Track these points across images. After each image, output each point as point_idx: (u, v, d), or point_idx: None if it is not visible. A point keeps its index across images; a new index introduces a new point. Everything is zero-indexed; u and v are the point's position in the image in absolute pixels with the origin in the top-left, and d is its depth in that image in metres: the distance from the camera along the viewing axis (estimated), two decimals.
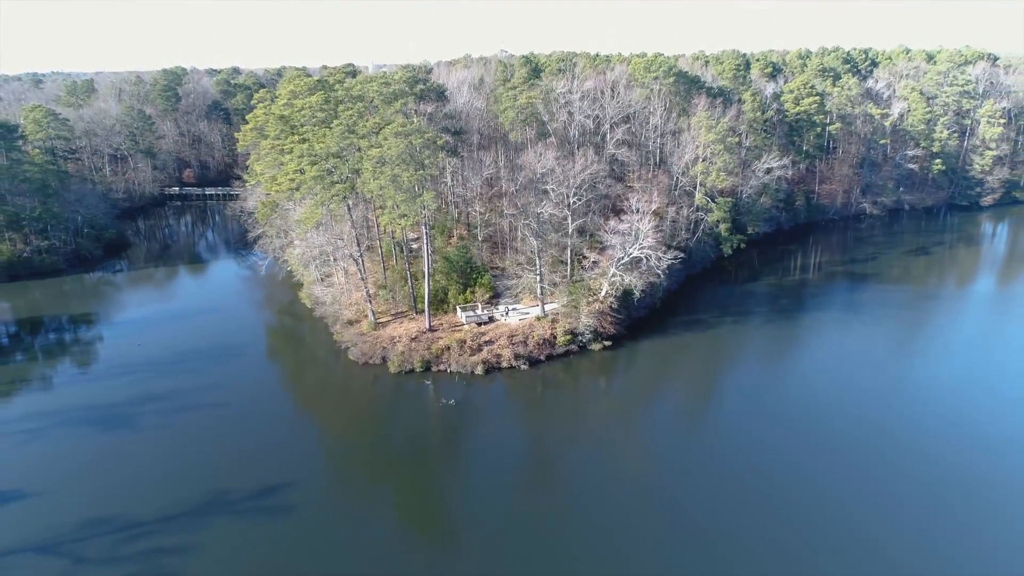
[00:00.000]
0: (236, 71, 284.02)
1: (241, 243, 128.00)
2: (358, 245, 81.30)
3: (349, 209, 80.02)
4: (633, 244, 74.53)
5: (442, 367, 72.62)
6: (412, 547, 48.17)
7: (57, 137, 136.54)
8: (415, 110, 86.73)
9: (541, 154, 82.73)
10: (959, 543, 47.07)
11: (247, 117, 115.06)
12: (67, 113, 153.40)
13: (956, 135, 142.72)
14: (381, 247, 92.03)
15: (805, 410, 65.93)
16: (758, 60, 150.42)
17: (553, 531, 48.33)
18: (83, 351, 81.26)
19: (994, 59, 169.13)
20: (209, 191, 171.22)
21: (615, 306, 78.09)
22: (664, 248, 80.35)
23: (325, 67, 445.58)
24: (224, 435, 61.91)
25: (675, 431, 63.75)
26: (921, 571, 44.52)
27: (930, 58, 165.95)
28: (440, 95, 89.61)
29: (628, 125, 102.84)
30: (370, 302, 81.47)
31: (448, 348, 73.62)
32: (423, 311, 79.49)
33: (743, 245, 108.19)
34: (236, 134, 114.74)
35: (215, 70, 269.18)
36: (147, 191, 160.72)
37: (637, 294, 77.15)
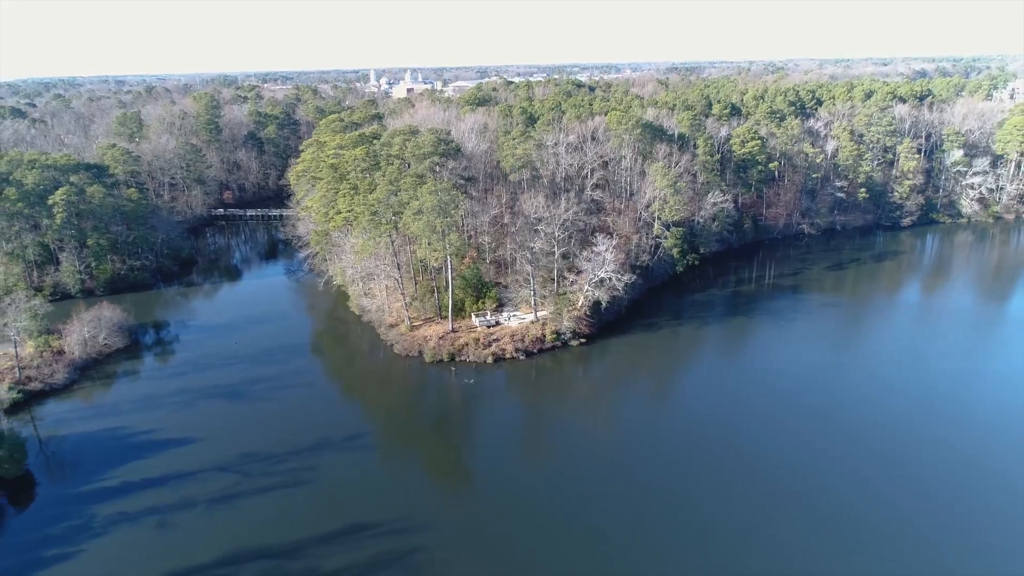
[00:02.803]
0: (259, 96, 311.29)
1: (289, 259, 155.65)
2: (398, 268, 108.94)
3: (392, 242, 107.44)
4: (601, 268, 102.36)
5: (463, 358, 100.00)
6: (440, 478, 76.27)
7: (131, 171, 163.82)
8: (439, 164, 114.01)
9: (534, 198, 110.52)
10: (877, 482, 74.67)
11: (297, 160, 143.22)
12: (130, 146, 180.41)
13: (882, 167, 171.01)
14: (412, 267, 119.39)
15: (741, 385, 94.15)
16: (719, 102, 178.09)
17: (543, 475, 75.10)
18: (194, 347, 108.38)
19: (923, 97, 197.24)
20: (250, 212, 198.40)
21: (589, 313, 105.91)
22: (626, 270, 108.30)
23: (336, 86, 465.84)
24: (314, 403, 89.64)
25: (634, 401, 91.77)
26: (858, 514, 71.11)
27: (868, 96, 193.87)
28: (457, 152, 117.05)
29: (603, 172, 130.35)
30: (407, 310, 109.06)
31: (467, 344, 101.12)
32: (447, 317, 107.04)
33: (697, 262, 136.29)
34: (293, 168, 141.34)
35: (242, 96, 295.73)
36: (198, 212, 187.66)
37: (604, 304, 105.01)
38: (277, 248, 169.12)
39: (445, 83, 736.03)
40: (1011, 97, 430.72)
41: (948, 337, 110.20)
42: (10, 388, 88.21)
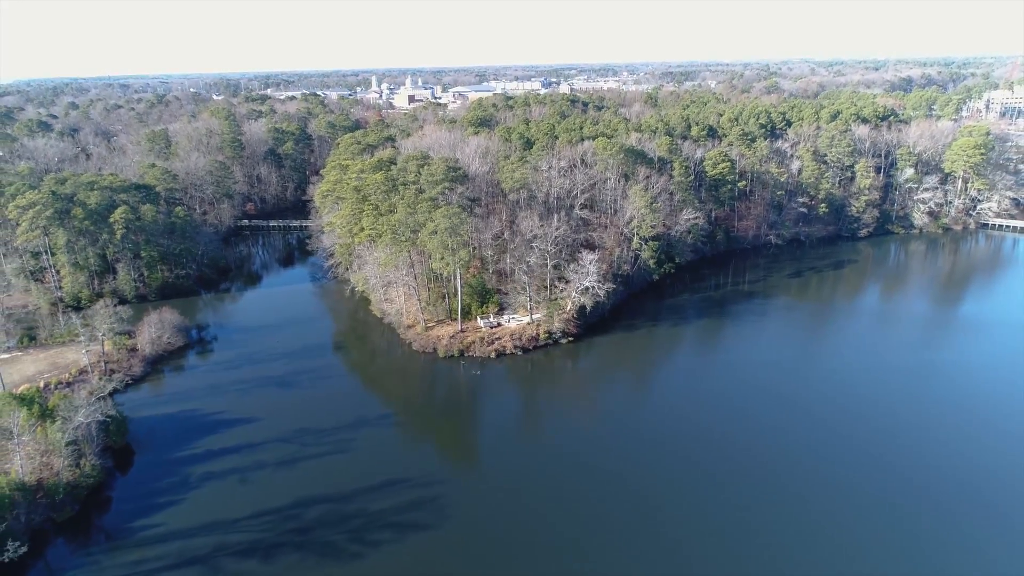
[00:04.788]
0: (273, 111, 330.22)
1: (313, 268, 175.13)
2: (415, 278, 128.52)
3: (410, 255, 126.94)
4: (585, 278, 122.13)
5: (470, 354, 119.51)
6: (454, 448, 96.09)
7: (169, 188, 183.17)
8: (449, 188, 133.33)
9: (529, 218, 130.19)
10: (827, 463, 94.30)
11: (319, 179, 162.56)
12: (165, 164, 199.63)
13: (843, 183, 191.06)
14: (425, 276, 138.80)
15: (708, 374, 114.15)
16: (697, 123, 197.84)
17: (536, 447, 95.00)
18: (241, 344, 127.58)
19: (886, 117, 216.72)
20: (272, 223, 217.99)
21: (576, 316, 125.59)
22: (608, 279, 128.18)
23: (342, 97, 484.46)
24: (349, 390, 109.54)
25: (614, 389, 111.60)
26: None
27: (834, 116, 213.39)
28: (464, 178, 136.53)
29: (591, 193, 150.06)
30: (422, 313, 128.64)
31: (473, 342, 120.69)
32: (456, 319, 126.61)
33: (673, 270, 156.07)
34: (319, 188, 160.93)
35: (256, 111, 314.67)
36: (226, 224, 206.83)
37: (589, 308, 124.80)
38: (301, 257, 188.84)
39: (445, 88, 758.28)
40: (986, 107, 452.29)
41: (899, 333, 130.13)
42: (101, 378, 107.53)
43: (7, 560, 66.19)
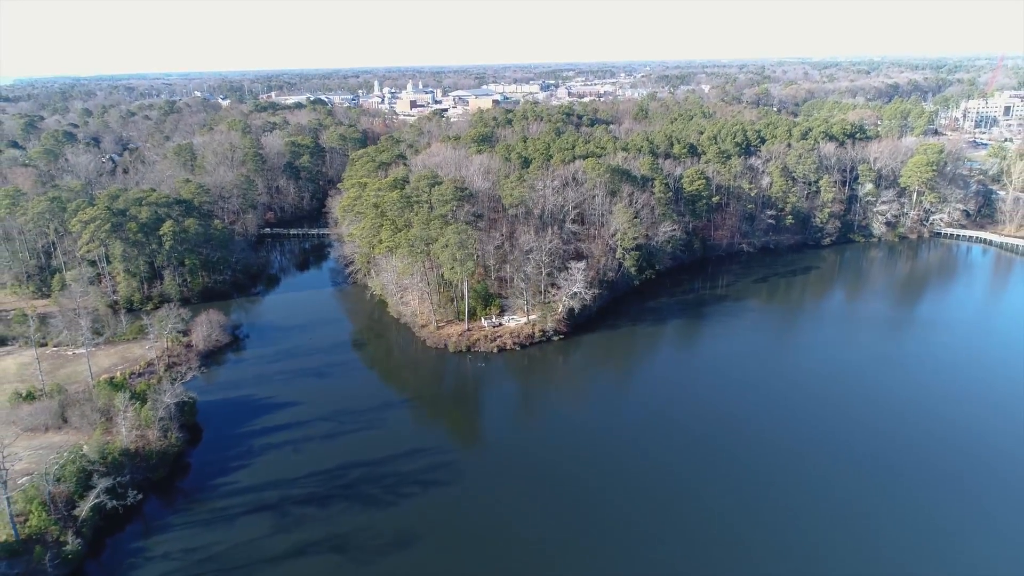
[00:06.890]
0: (286, 122, 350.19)
1: (333, 273, 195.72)
2: (428, 284, 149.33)
3: (423, 265, 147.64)
4: (573, 285, 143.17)
5: (476, 349, 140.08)
6: (464, 426, 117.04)
7: (203, 201, 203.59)
8: (457, 206, 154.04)
9: (526, 232, 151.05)
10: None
11: (343, 198, 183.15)
12: (196, 178, 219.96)
13: (810, 196, 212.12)
14: (436, 282, 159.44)
15: (682, 365, 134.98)
16: (679, 141, 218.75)
17: (531, 425, 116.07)
18: (279, 341, 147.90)
19: (853, 134, 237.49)
20: (292, 231, 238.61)
21: (566, 317, 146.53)
22: (594, 285, 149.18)
23: (350, 107, 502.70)
24: (375, 379, 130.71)
25: (598, 378, 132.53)
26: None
27: (805, 134, 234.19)
28: (470, 196, 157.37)
29: (580, 208, 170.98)
30: (433, 314, 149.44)
31: (478, 339, 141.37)
32: (463, 319, 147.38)
33: (653, 276, 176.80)
34: (340, 203, 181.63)
35: (272, 123, 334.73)
36: (251, 233, 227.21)
37: (577, 310, 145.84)
38: (321, 263, 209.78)
39: (445, 92, 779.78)
40: (964, 116, 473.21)
41: (862, 329, 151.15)
42: (165, 370, 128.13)
43: (129, 504, 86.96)
